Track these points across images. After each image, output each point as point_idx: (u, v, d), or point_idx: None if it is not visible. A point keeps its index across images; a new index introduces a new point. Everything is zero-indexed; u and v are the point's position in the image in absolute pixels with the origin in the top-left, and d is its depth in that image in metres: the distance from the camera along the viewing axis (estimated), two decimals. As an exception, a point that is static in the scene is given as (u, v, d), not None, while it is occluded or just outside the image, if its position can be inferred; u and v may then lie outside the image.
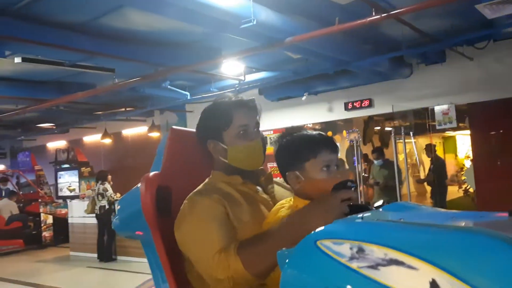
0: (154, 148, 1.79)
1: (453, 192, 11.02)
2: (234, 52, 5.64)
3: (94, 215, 8.81)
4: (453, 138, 15.82)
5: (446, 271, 0.74)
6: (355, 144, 8.39)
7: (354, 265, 0.84)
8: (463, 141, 15.19)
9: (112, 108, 9.98)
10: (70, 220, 9.99)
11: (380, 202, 1.37)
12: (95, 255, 8.84)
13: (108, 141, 11.14)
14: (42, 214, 11.10)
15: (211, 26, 4.80)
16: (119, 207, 1.83)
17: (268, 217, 1.52)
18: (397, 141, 7.70)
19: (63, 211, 10.92)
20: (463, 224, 1.11)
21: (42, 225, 11.08)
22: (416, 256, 0.78)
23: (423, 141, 11.01)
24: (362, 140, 9.66)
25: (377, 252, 0.83)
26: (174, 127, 1.81)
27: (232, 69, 7.08)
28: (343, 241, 0.91)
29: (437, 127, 7.24)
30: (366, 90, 7.95)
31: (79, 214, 9.65)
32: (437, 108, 7.08)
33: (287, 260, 0.99)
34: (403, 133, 7.40)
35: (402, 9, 4.33)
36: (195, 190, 1.56)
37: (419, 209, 1.29)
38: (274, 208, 1.54)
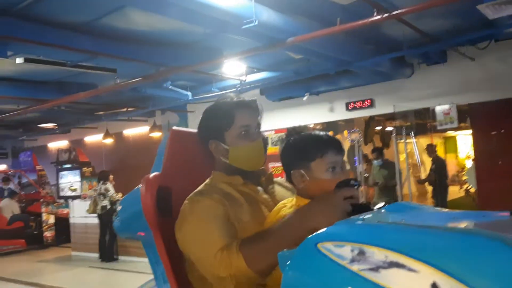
0: (155, 148, 1.78)
1: (454, 192, 11.02)
2: (236, 52, 5.64)
3: (96, 215, 8.81)
4: (454, 138, 15.82)
5: (447, 274, 0.74)
6: (356, 144, 8.40)
7: (355, 267, 0.84)
8: (464, 141, 15.19)
9: (113, 108, 9.99)
10: (71, 220, 10.00)
11: (381, 205, 1.37)
12: (97, 255, 8.85)
13: (109, 141, 11.16)
14: (43, 214, 11.12)
15: (213, 26, 4.81)
16: (120, 208, 1.83)
17: (269, 217, 1.52)
18: (398, 141, 7.70)
19: (65, 211, 10.93)
20: (464, 224, 1.11)
21: (44, 225, 11.09)
22: (417, 258, 0.78)
23: (424, 141, 11.01)
24: (363, 140, 9.65)
25: (378, 254, 0.83)
26: (174, 127, 1.81)
27: (234, 69, 7.08)
28: (344, 243, 0.90)
29: (438, 127, 7.24)
30: (367, 90, 7.95)
31: (80, 214, 9.66)
32: (438, 108, 7.08)
33: (288, 262, 0.99)
34: (404, 133, 7.41)
35: (404, 10, 4.34)
36: (195, 190, 1.56)
37: (421, 209, 1.29)
38: (276, 208, 1.54)
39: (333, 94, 8.36)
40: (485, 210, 1.17)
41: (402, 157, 8.50)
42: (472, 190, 9.28)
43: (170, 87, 7.46)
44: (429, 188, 9.69)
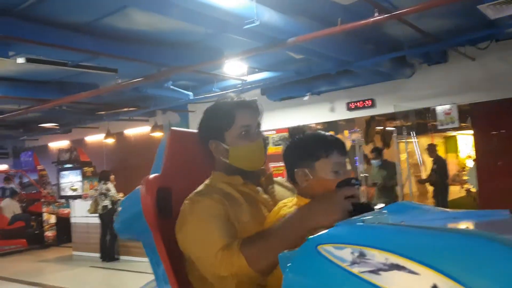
0: (156, 148, 1.79)
1: (455, 192, 11.00)
2: (237, 52, 5.64)
3: (97, 215, 8.82)
4: (454, 138, 15.79)
5: (447, 276, 0.74)
6: (357, 144, 8.40)
7: (355, 270, 0.84)
8: (465, 141, 15.17)
9: (114, 108, 9.99)
10: (72, 220, 10.01)
11: (381, 206, 1.37)
12: (98, 255, 8.86)
13: (110, 141, 11.16)
14: (44, 214, 11.14)
15: (214, 26, 4.81)
16: (120, 209, 1.83)
17: (269, 217, 1.52)
18: (399, 141, 7.70)
19: (66, 210, 10.95)
20: (464, 225, 1.11)
21: (45, 224, 11.11)
22: (417, 261, 0.78)
23: (424, 141, 11.00)
24: (364, 140, 9.65)
25: (378, 257, 0.83)
26: (173, 128, 1.81)
27: (235, 69, 7.08)
28: (344, 245, 0.91)
29: (439, 127, 7.23)
30: (368, 90, 7.95)
31: (81, 214, 9.67)
32: (439, 108, 7.07)
33: (288, 264, 0.99)
34: (405, 133, 7.41)
35: (405, 10, 4.34)
36: (195, 191, 1.55)
37: (421, 209, 1.28)
38: (276, 208, 1.54)
39: (334, 94, 8.36)
40: (485, 209, 1.17)
41: (403, 156, 8.50)
42: (473, 190, 9.27)
43: (171, 87, 7.46)
44: (430, 188, 9.68)
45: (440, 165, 8.46)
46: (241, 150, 1.57)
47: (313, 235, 1.02)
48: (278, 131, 8.82)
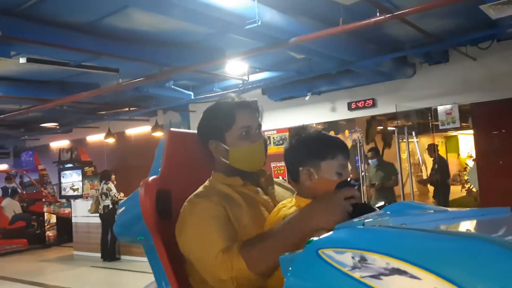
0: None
1: (456, 191, 11.02)
2: (238, 52, 5.65)
3: (98, 214, 8.82)
4: (455, 137, 15.83)
5: (448, 281, 0.73)
6: (358, 144, 8.40)
7: (356, 274, 0.84)
8: (465, 140, 15.19)
9: (115, 108, 10.00)
10: (73, 220, 10.01)
11: (381, 204, 1.37)
12: (99, 255, 8.86)
13: (111, 140, 11.17)
14: (45, 214, 11.14)
15: (216, 26, 4.82)
16: (119, 212, 1.82)
17: (269, 218, 1.51)
18: (400, 141, 7.71)
19: (67, 210, 10.96)
20: (466, 225, 1.11)
21: (46, 224, 11.11)
22: (418, 265, 0.78)
23: (425, 140, 11.03)
24: (364, 140, 9.65)
25: (379, 261, 0.83)
26: (172, 129, 1.80)
27: (236, 69, 7.08)
28: (344, 250, 0.90)
29: (440, 127, 7.23)
30: (369, 90, 7.95)
31: (82, 213, 9.67)
32: (440, 108, 7.08)
33: (290, 268, 0.99)
34: (406, 133, 7.41)
35: (407, 10, 4.34)
36: (195, 192, 1.54)
37: (422, 209, 1.28)
38: (275, 209, 1.53)
39: (335, 93, 8.36)
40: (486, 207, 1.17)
41: (404, 156, 8.51)
42: (474, 189, 9.28)
43: (172, 86, 7.47)
44: (431, 188, 9.69)
45: (441, 165, 8.46)
46: (241, 151, 1.56)
47: (313, 236, 1.02)
48: (279, 131, 8.84)
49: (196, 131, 1.69)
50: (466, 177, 11.34)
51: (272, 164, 8.52)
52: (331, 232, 1.01)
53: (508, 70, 6.56)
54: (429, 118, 7.78)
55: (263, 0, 4.21)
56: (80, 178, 11.64)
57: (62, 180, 12.15)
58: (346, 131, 9.13)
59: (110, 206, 8.58)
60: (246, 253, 1.31)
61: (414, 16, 4.95)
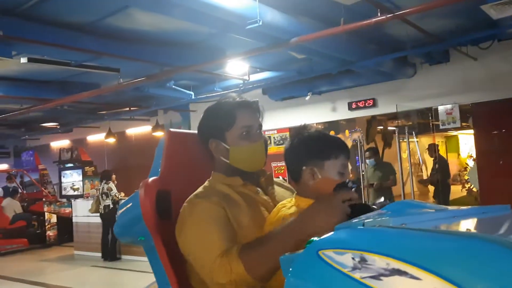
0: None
1: (457, 191, 11.02)
2: (239, 52, 5.65)
3: (98, 214, 8.83)
4: (455, 137, 15.84)
5: (449, 281, 0.73)
6: (358, 144, 8.39)
7: (356, 275, 0.84)
8: (465, 140, 15.20)
9: (116, 108, 10.00)
10: (74, 219, 10.02)
11: (381, 200, 1.37)
12: (100, 254, 8.87)
13: (112, 140, 11.17)
14: (46, 213, 11.14)
15: (217, 26, 4.82)
16: (119, 213, 1.82)
17: (269, 218, 1.51)
18: (401, 140, 7.70)
19: (67, 210, 10.96)
20: (467, 224, 1.11)
21: (46, 224, 11.12)
22: (419, 266, 0.77)
23: (426, 140, 11.02)
24: (365, 139, 9.65)
25: (379, 262, 0.83)
26: (171, 129, 1.80)
27: (237, 69, 7.09)
28: (345, 251, 0.90)
29: (441, 127, 7.23)
30: (370, 90, 7.95)
31: (83, 213, 9.68)
32: (441, 108, 7.08)
33: (290, 269, 0.99)
34: (407, 133, 7.41)
35: (408, 10, 4.34)
36: (194, 193, 1.54)
37: (422, 208, 1.28)
38: (275, 209, 1.53)
39: (336, 93, 8.37)
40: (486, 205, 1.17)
41: (405, 155, 8.50)
42: (474, 189, 9.28)
43: (173, 86, 7.47)
44: (431, 188, 9.70)
45: (441, 164, 8.46)
46: (241, 151, 1.56)
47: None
48: (279, 130, 8.84)
49: (195, 131, 1.69)
50: (466, 177, 11.35)
51: (273, 164, 8.53)
52: (331, 233, 1.01)
53: (508, 70, 6.56)
54: (430, 118, 7.79)
55: (264, 0, 4.21)
56: (80, 177, 11.64)
57: (63, 179, 12.16)
58: (347, 131, 9.13)
59: (111, 206, 8.59)
60: (245, 257, 1.31)
61: (415, 16, 4.95)
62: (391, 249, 0.86)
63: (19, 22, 4.58)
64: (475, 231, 1.07)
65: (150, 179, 1.65)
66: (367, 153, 7.68)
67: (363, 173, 8.24)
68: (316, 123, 8.76)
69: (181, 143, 1.80)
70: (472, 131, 8.09)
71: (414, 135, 7.80)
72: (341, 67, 6.69)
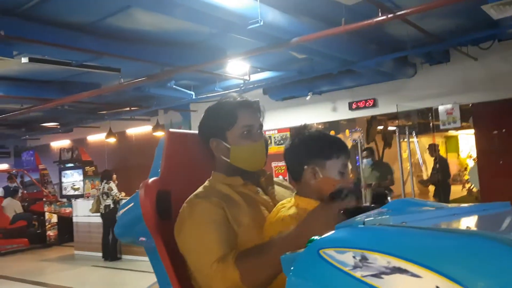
0: (158, 147, 1.80)
1: (457, 191, 11.02)
2: (240, 52, 5.66)
3: (99, 214, 8.83)
4: (455, 137, 15.82)
5: (450, 279, 0.73)
6: (358, 144, 8.40)
7: (357, 274, 0.84)
8: (465, 140, 15.19)
9: (116, 108, 10.00)
10: (74, 219, 10.02)
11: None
12: (100, 254, 8.87)
13: (112, 140, 11.17)
14: (46, 213, 11.14)
15: (218, 26, 4.82)
16: (120, 213, 1.82)
17: (269, 219, 1.51)
18: (401, 140, 7.70)
19: (68, 210, 10.95)
20: (468, 221, 1.11)
21: (47, 224, 11.11)
22: (419, 263, 0.78)
23: (426, 140, 11.01)
24: (365, 139, 9.65)
25: (380, 260, 0.83)
26: (171, 129, 1.81)
27: (237, 69, 7.09)
28: (345, 249, 0.90)
29: (441, 127, 7.24)
30: (370, 90, 7.96)
31: (83, 213, 9.68)
32: (441, 108, 7.09)
33: (291, 268, 0.99)
34: (407, 133, 7.41)
35: (408, 10, 4.35)
36: (194, 193, 1.54)
37: (422, 206, 1.28)
38: (275, 209, 1.54)
39: (336, 93, 8.37)
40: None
41: (405, 155, 8.50)
42: (475, 189, 9.28)
43: (174, 86, 7.47)
44: (431, 187, 9.69)
45: (442, 164, 8.46)
46: (242, 150, 1.57)
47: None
48: (280, 130, 8.85)
49: (195, 131, 1.70)
50: (466, 177, 11.35)
51: (273, 164, 8.53)
52: (332, 232, 1.02)
53: (509, 70, 6.56)
54: (430, 118, 7.79)
55: (265, 0, 4.22)
56: (81, 177, 11.64)
57: (63, 179, 12.16)
58: (347, 131, 9.13)
59: (111, 206, 8.59)
60: (241, 265, 1.31)
61: (416, 16, 4.96)
62: (391, 247, 0.86)
63: (20, 22, 4.58)
64: (475, 228, 1.07)
65: (150, 180, 1.65)
66: (364, 152, 7.69)
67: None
68: (317, 123, 8.76)
69: (181, 143, 1.80)
70: (472, 131, 8.09)
71: (414, 135, 7.80)
72: (342, 67, 6.70)
